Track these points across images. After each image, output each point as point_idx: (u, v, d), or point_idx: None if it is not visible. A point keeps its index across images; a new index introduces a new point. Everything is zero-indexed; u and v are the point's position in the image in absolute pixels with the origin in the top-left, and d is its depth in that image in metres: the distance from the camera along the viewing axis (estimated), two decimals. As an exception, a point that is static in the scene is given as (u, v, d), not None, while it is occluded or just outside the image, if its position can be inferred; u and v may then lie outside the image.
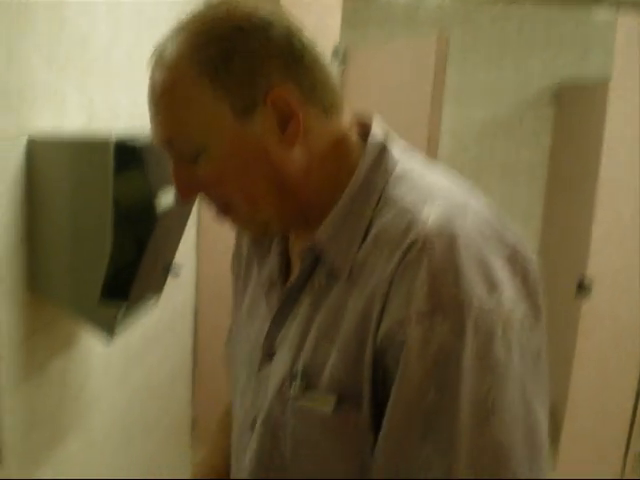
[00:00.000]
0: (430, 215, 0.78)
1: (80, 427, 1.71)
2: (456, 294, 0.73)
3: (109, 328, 1.41)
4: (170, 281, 1.67)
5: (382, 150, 0.86)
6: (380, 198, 0.83)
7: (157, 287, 1.59)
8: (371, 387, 0.78)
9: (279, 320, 0.89)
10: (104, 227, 1.29)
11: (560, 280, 2.96)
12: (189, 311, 2.78)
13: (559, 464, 2.80)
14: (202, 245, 2.83)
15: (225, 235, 1.51)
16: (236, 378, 1.00)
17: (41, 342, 1.47)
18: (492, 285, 0.75)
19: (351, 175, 0.85)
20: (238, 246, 1.08)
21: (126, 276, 1.37)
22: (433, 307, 0.73)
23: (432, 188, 0.83)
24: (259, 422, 0.88)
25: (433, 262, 0.74)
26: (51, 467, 1.57)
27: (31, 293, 1.40)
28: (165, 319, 2.42)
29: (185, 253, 2.57)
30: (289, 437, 0.84)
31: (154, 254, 1.42)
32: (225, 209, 0.86)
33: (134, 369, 2.12)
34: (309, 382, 0.82)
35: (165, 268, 1.60)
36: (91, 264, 1.34)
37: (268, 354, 0.90)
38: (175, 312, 2.56)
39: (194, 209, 1.84)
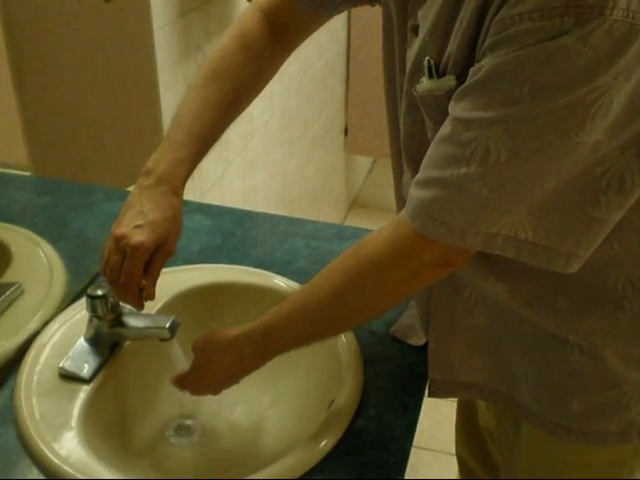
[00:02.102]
0: None
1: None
2: None
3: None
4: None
5: None
6: None
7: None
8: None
9: None
10: None
11: None
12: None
13: None
14: None
15: None
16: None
17: (197, 21, 1.42)
18: None
19: None
20: None
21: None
22: (567, 4, 0.62)
23: None
24: (404, 103, 0.85)
25: None
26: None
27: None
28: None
29: None
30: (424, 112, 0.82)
31: None
32: None
33: (289, 61, 2.07)
34: (437, 74, 0.77)
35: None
36: None
37: (412, 28, 0.83)
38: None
39: None
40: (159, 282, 0.92)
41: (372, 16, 2.68)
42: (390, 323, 1.06)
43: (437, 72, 0.76)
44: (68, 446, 0.84)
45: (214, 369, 0.89)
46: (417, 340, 1.03)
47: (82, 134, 1.15)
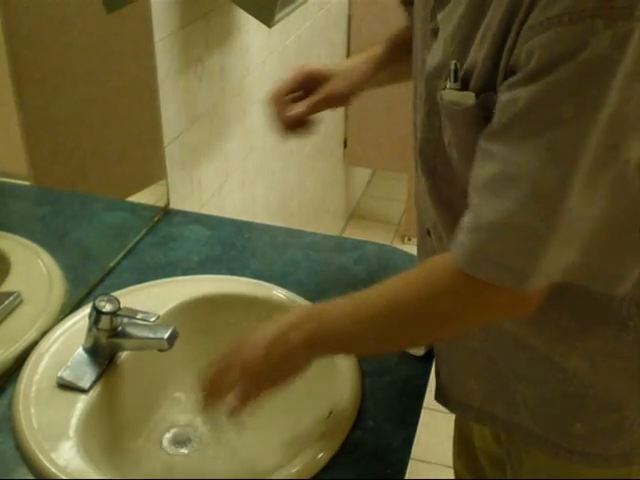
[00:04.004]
0: None
1: (239, 125, 1.73)
2: None
3: (268, 15, 1.36)
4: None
5: None
6: None
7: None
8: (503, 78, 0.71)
9: None
10: None
11: None
12: (343, 19, 2.66)
13: None
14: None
15: None
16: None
17: (197, 33, 1.43)
18: None
19: None
20: None
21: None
22: (598, 5, 0.61)
23: None
24: (421, 109, 0.85)
25: None
26: (210, 164, 1.61)
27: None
28: (319, 26, 2.32)
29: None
30: (442, 122, 0.81)
31: None
32: None
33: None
34: (462, 85, 0.75)
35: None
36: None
37: (432, 32, 0.82)
38: (328, 20, 2.44)
39: None
40: (158, 291, 0.92)
41: (372, 29, 2.69)
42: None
43: (457, 78, 0.75)
44: (66, 456, 0.84)
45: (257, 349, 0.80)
46: (417, 350, 1.03)
47: (82, 144, 1.15)
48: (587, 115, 0.64)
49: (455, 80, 0.75)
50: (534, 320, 0.85)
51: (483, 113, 0.74)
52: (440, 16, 0.79)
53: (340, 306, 0.81)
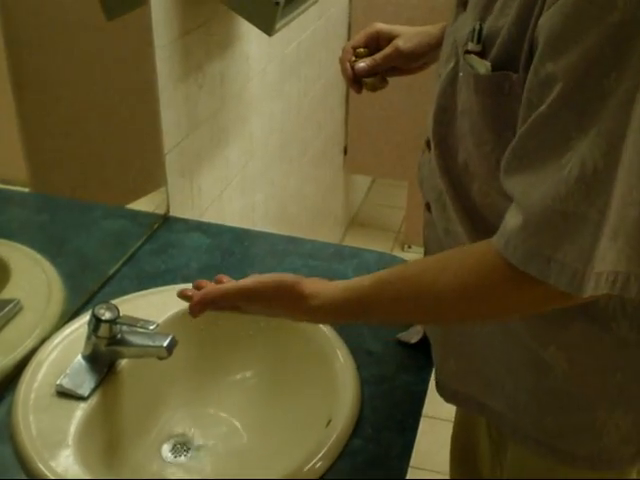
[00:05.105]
0: None
1: (239, 133, 1.73)
2: None
3: (268, 23, 1.36)
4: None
5: None
6: None
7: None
8: (528, 53, 0.70)
9: None
10: None
11: None
12: (343, 27, 2.67)
13: None
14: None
15: None
16: None
17: (198, 41, 1.43)
18: None
19: None
20: None
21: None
22: None
23: None
24: (444, 75, 0.85)
25: None
26: (210, 171, 1.61)
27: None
28: (319, 34, 2.32)
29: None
30: (458, 89, 0.82)
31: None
32: None
33: (289, 81, 2.09)
34: (483, 49, 0.75)
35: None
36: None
37: (460, 2, 0.84)
38: (328, 28, 2.45)
39: None
40: (158, 299, 0.91)
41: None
42: (388, 343, 1.06)
43: (480, 39, 0.75)
44: (65, 463, 0.84)
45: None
46: (410, 337, 1.06)
47: (82, 151, 1.16)
48: (627, 86, 0.61)
49: (478, 42, 0.75)
50: None
51: (494, 88, 0.74)
52: None
53: (359, 295, 0.81)
